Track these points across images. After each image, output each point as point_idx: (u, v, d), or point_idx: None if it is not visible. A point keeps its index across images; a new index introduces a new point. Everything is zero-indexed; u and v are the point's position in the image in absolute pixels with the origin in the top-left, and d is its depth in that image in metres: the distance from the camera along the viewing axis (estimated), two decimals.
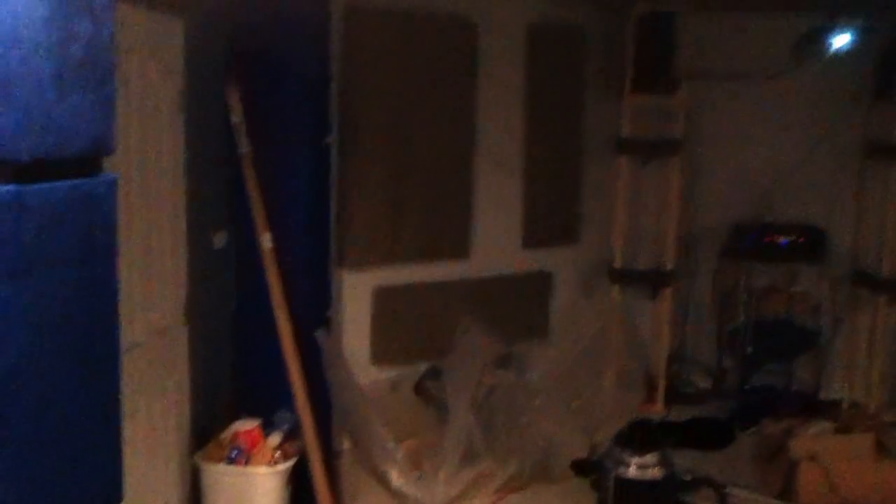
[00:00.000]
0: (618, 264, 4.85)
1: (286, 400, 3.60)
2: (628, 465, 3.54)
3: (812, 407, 4.54)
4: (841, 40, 4.68)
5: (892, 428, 4.33)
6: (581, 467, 3.91)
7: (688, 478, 3.69)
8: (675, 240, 4.87)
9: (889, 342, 4.87)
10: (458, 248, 4.60)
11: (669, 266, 4.83)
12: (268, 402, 3.70)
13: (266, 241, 3.62)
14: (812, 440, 3.83)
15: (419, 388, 4.11)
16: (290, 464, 3.52)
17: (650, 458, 3.54)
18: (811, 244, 4.76)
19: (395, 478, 3.63)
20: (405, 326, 4.40)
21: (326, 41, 3.99)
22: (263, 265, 3.60)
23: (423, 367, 4.23)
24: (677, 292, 5.00)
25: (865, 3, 4.45)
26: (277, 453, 3.55)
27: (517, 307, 4.80)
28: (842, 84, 4.91)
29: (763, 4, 4.67)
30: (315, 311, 4.11)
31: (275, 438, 3.59)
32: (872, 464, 3.75)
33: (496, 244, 4.73)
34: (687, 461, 4.01)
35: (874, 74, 4.84)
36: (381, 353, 4.32)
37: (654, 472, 3.53)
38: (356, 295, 4.26)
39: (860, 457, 3.77)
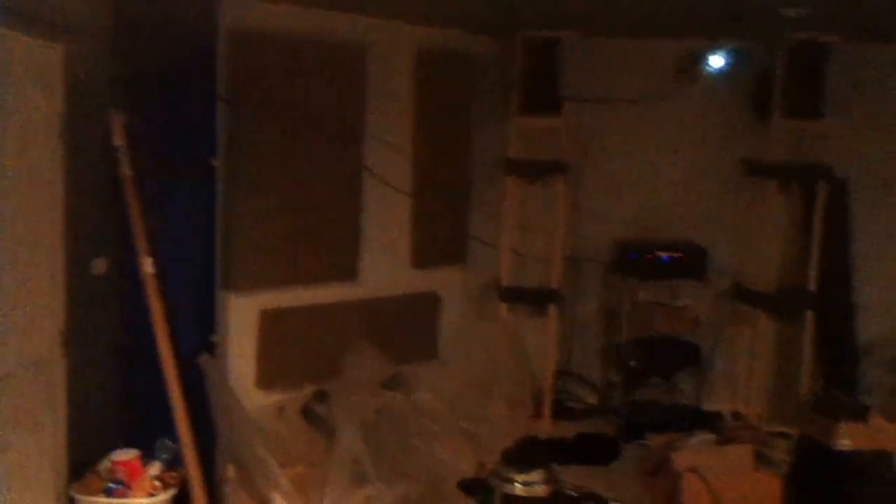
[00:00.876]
0: (506, 283, 4.87)
1: (170, 428, 3.49)
2: (515, 483, 3.53)
3: (695, 419, 4.64)
4: (720, 63, 4.88)
5: (772, 438, 4.47)
6: (469, 487, 3.88)
7: (574, 494, 3.71)
8: (562, 258, 4.93)
9: (768, 355, 5.06)
10: (347, 269, 4.53)
11: (556, 284, 4.88)
12: (153, 431, 3.58)
13: (147, 265, 3.50)
14: (693, 453, 3.90)
15: (306, 412, 4.01)
16: (170, 493, 3.40)
17: (536, 475, 3.53)
18: (693, 261, 4.88)
19: None
20: (292, 350, 4.29)
21: (213, 64, 3.92)
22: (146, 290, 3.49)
23: (310, 390, 4.14)
24: (564, 310, 5.05)
25: (742, 29, 4.62)
26: (157, 483, 3.44)
27: (407, 328, 4.76)
28: (722, 107, 5.10)
29: (646, 30, 4.80)
30: (200, 335, 4.02)
31: (154, 468, 3.48)
32: (750, 474, 3.85)
33: (385, 265, 4.69)
34: (574, 477, 4.03)
35: (751, 97, 5.03)
36: (268, 377, 4.19)
37: (541, 489, 3.52)
38: (242, 318, 4.14)
39: (739, 467, 3.86)
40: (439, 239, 4.95)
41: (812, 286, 4.81)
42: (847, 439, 3.61)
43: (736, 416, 4.94)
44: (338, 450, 3.64)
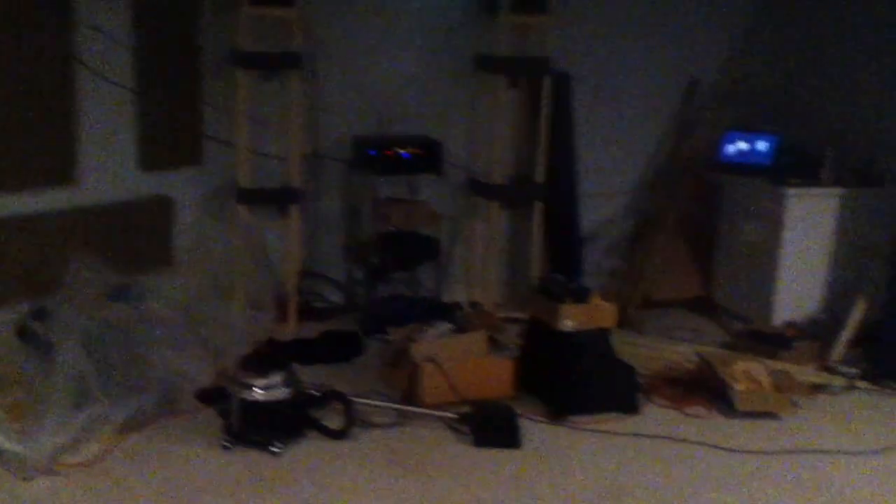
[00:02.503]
0: (243, 184, 4.59)
1: None
2: (253, 388, 3.39)
3: (435, 311, 4.69)
4: None
5: (504, 324, 4.63)
6: (207, 396, 3.69)
7: (316, 393, 3.63)
8: (301, 156, 4.73)
9: (501, 245, 5.19)
10: (63, 174, 4.06)
11: (296, 183, 4.69)
12: None
13: None
14: (431, 343, 3.93)
15: (23, 332, 3.59)
16: None
17: (275, 378, 3.41)
18: (430, 156, 4.83)
19: None
20: (4, 265, 3.83)
21: None
22: None
23: (27, 307, 3.71)
24: (306, 209, 4.89)
25: None
26: None
27: (137, 236, 4.38)
28: (455, 1, 5.01)
29: None
30: None
31: None
32: (485, 359, 3.95)
33: (108, 168, 4.26)
34: (317, 376, 3.96)
35: None
36: None
37: (281, 393, 3.41)
38: None
39: (474, 353, 3.94)
40: (170, 139, 4.55)
41: (540, 177, 4.96)
42: (569, 320, 3.78)
43: (473, 305, 5.07)
44: (57, 369, 3.30)
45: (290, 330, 4.66)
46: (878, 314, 4.47)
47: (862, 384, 4.24)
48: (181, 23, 4.56)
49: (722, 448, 3.57)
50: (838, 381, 4.23)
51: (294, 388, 3.48)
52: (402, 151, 4.77)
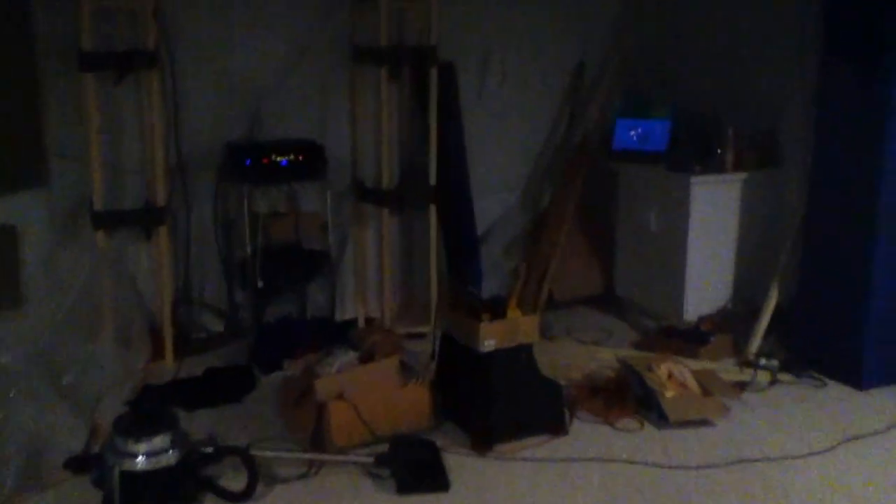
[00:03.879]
0: (99, 206, 3.89)
1: None
2: (135, 456, 2.77)
3: (329, 332, 4.17)
4: None
5: (406, 340, 4.17)
6: (79, 464, 3.04)
7: (209, 450, 3.05)
8: (165, 168, 4.08)
9: (394, 254, 4.70)
10: None
11: (162, 200, 4.04)
12: None
13: None
14: (336, 378, 3.41)
15: None
16: None
17: (159, 441, 2.81)
18: (311, 161, 4.27)
19: None
20: None
21: None
22: None
23: None
24: (175, 229, 4.24)
25: None
26: None
27: None
28: None
29: None
30: None
31: None
32: (398, 388, 3.47)
33: None
34: (207, 425, 3.38)
35: None
36: None
37: (168, 457, 2.81)
38: None
39: (386, 383, 3.46)
40: (6, 158, 3.80)
41: (433, 178, 4.50)
42: (490, 339, 3.35)
43: (369, 322, 4.57)
44: None
45: (168, 368, 4.02)
46: (789, 299, 4.29)
47: (784, 377, 4.04)
48: (11, 19, 3.80)
49: (662, 466, 3.24)
50: (762, 377, 4.01)
51: (183, 448, 2.89)
52: (279, 158, 4.20)
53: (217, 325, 4.44)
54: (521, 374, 3.45)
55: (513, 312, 3.47)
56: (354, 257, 4.67)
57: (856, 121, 3.85)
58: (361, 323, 4.56)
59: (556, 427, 3.50)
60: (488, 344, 3.34)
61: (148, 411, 3.01)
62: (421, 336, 4.39)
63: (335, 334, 4.11)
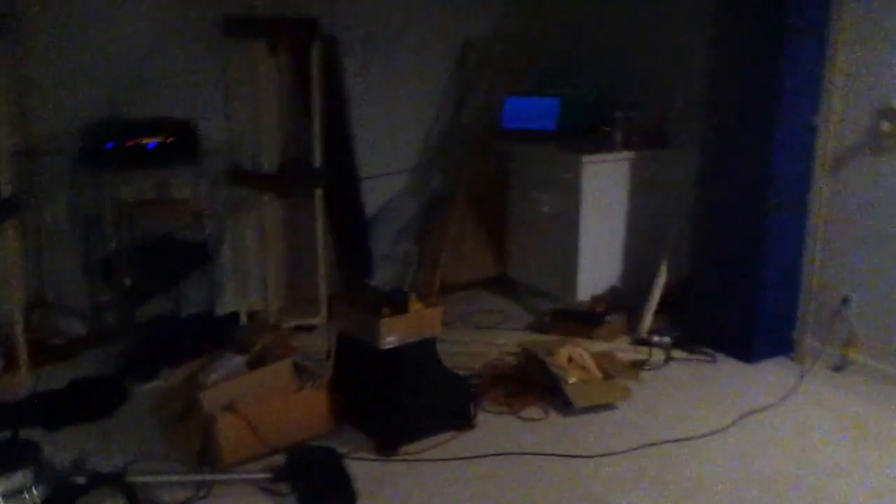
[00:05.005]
0: None
1: None
2: None
3: (211, 330, 3.73)
4: None
5: (295, 335, 3.81)
6: None
7: (81, 480, 2.59)
8: (11, 155, 3.50)
9: (279, 242, 4.29)
10: None
11: (7, 191, 3.46)
12: None
13: None
14: (224, 386, 3.01)
15: None
16: None
17: (19, 479, 2.34)
18: (183, 143, 3.79)
19: None
20: None
21: None
22: None
23: None
24: (26, 223, 3.68)
25: None
26: None
27: None
28: None
29: None
30: None
31: None
32: (293, 393, 3.10)
33: None
34: (74, 447, 2.91)
35: None
36: None
37: (32, 496, 2.36)
38: None
39: (279, 389, 3.08)
40: None
41: (318, 161, 4.11)
42: (392, 335, 3.03)
43: (252, 316, 4.15)
44: None
45: (21, 381, 3.46)
46: (679, 278, 4.19)
47: (677, 353, 3.94)
48: None
49: (571, 455, 3.04)
50: (657, 355, 3.90)
51: (49, 482, 2.43)
52: (146, 141, 3.70)
53: (79, 329, 3.88)
54: (425, 370, 3.15)
55: (415, 305, 3.17)
56: (234, 248, 4.22)
57: (746, 101, 3.76)
58: (244, 318, 4.13)
59: (463, 422, 3.24)
60: (390, 341, 3.03)
61: (1, 442, 2.52)
62: (310, 329, 4.03)
63: (217, 333, 3.68)
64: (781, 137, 3.68)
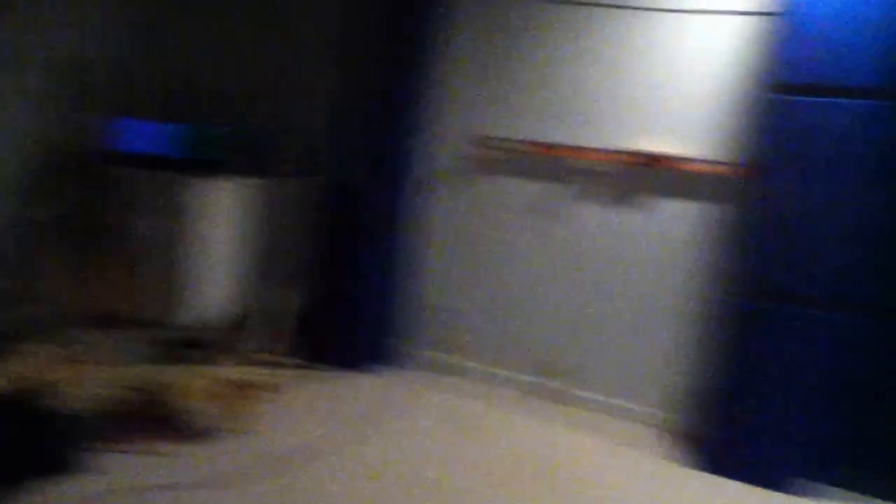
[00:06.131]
0: None
1: None
2: None
3: None
4: None
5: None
6: None
7: None
8: None
9: None
10: None
11: None
12: None
13: None
14: None
15: None
16: None
17: None
18: None
19: None
20: None
21: None
22: None
23: None
24: None
25: None
26: None
27: None
28: None
29: None
30: None
31: None
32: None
33: None
34: None
35: None
36: None
37: None
38: None
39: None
40: None
41: None
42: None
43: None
44: None
45: None
46: (301, 300, 4.30)
47: (292, 371, 4.04)
48: None
49: (210, 486, 2.92)
50: (274, 375, 3.94)
51: None
52: None
53: None
54: (24, 421, 2.77)
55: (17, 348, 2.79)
56: None
57: (361, 132, 4.05)
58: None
59: (77, 466, 2.91)
60: None
61: None
62: None
63: None
64: (385, 166, 4.02)
